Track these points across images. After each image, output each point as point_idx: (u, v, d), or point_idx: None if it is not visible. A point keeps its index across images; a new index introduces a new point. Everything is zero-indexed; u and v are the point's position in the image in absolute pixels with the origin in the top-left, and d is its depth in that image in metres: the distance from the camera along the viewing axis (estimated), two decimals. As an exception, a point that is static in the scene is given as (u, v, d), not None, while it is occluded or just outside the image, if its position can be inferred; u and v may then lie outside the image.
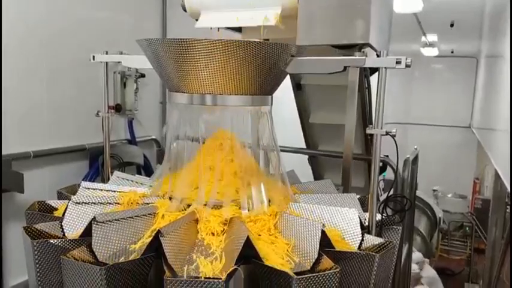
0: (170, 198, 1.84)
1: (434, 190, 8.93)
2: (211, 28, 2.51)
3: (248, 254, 1.45)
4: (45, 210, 1.93)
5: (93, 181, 2.84)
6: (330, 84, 2.92)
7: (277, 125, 1.97)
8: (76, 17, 2.99)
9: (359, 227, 1.74)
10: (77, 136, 3.05)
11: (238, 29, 2.55)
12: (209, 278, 1.34)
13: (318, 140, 3.55)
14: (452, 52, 9.74)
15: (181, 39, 1.63)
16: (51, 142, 2.88)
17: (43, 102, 2.82)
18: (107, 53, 2.34)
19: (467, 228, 8.62)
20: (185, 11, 2.45)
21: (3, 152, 2.52)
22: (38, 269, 1.53)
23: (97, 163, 3.12)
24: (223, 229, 1.64)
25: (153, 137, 3.88)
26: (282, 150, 2.02)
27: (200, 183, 1.82)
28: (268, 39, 2.32)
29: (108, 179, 2.31)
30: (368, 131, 1.79)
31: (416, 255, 5.76)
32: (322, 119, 3.29)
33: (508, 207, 5.74)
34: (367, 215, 1.87)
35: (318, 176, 3.75)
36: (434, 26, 6.85)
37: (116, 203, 1.85)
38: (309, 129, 3.51)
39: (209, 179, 1.83)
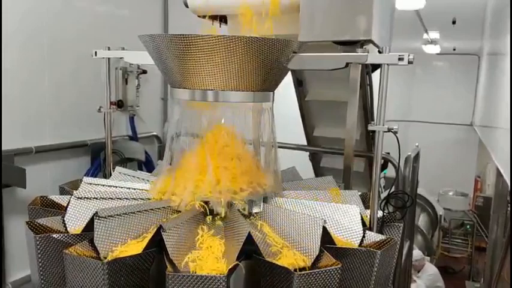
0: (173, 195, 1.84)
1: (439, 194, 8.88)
2: (212, 23, 2.50)
3: (249, 250, 1.45)
4: (47, 205, 1.93)
5: (95, 177, 2.84)
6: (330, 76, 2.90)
7: (279, 122, 1.97)
8: (78, 12, 2.98)
9: (360, 224, 1.75)
10: (78, 132, 3.06)
11: (224, 21, 2.54)
12: (211, 273, 1.35)
13: (315, 121, 3.50)
14: (454, 50, 9.71)
15: (183, 35, 1.62)
16: (54, 138, 2.88)
17: (45, 98, 2.82)
18: (109, 48, 2.34)
19: (468, 226, 8.61)
20: (187, 6, 2.45)
21: (6, 147, 2.52)
22: (40, 264, 1.54)
23: (99, 159, 3.13)
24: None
25: (155, 133, 3.88)
26: (283, 147, 2.02)
27: (202, 179, 1.82)
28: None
29: (110, 174, 2.32)
30: (370, 128, 1.79)
31: (417, 252, 5.79)
32: (321, 96, 3.25)
33: (509, 205, 5.73)
34: (368, 211, 1.87)
35: (317, 167, 3.75)
36: (436, 23, 6.83)
37: (117, 198, 1.85)
38: (307, 113, 3.48)
39: (211, 176, 1.83)
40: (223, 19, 2.57)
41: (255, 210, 1.79)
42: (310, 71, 3.12)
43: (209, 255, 1.42)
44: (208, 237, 1.53)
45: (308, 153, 3.79)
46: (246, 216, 1.74)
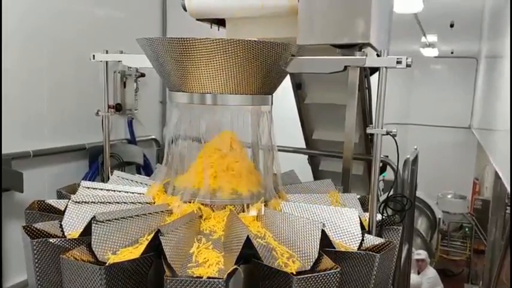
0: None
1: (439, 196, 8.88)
2: (211, 27, 2.51)
3: (248, 254, 1.44)
4: (44, 210, 1.92)
5: (93, 181, 2.83)
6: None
7: (278, 125, 1.96)
8: (77, 15, 2.98)
9: (359, 227, 1.74)
10: (76, 135, 3.05)
11: (223, 24, 2.55)
12: (209, 277, 1.34)
13: (314, 124, 3.51)
14: (452, 53, 9.75)
15: (182, 38, 1.62)
16: (51, 141, 2.87)
17: (43, 102, 2.81)
18: (107, 52, 2.34)
19: (466, 229, 8.62)
20: (185, 10, 2.45)
21: (3, 151, 2.51)
22: (37, 269, 1.53)
23: (97, 162, 3.11)
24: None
25: (153, 136, 3.88)
26: (281, 150, 2.02)
27: (201, 183, 1.81)
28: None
29: (108, 178, 2.31)
30: (368, 131, 1.79)
31: (422, 251, 5.88)
32: (320, 99, 3.26)
33: (508, 207, 5.74)
34: (367, 214, 1.87)
35: (316, 170, 3.75)
36: (434, 26, 6.86)
37: (115, 202, 1.84)
38: (306, 117, 3.48)
39: (209, 180, 1.82)
40: (221, 22, 2.58)
41: (252, 213, 1.78)
42: (309, 77, 3.13)
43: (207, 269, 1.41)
44: (205, 249, 1.51)
45: (307, 156, 3.79)
46: (245, 220, 1.73)
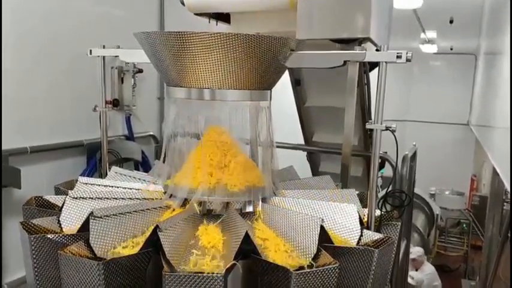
0: (170, 195, 1.82)
1: (431, 194, 8.86)
2: (209, 21, 2.49)
3: (247, 249, 1.44)
4: (42, 206, 1.91)
5: (91, 177, 2.81)
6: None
7: (276, 121, 1.95)
8: (74, 11, 2.96)
9: (358, 223, 1.74)
10: (74, 131, 3.03)
11: (221, 19, 2.53)
12: (208, 273, 1.33)
13: (314, 127, 3.51)
14: (451, 49, 9.75)
15: (179, 32, 1.61)
16: (49, 137, 2.85)
17: (41, 98, 2.79)
18: (104, 47, 2.32)
19: (464, 225, 8.66)
20: (183, 4, 2.43)
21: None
22: (35, 265, 1.52)
23: (95, 159, 3.10)
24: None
25: (151, 133, 3.86)
26: (280, 147, 2.01)
27: (199, 179, 1.81)
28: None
29: (106, 174, 2.30)
30: (368, 126, 1.78)
31: (417, 248, 5.89)
32: (320, 102, 3.25)
33: (505, 204, 5.77)
34: (366, 210, 1.87)
35: (316, 170, 3.75)
36: (433, 22, 6.85)
37: (113, 198, 1.83)
38: (306, 120, 3.47)
39: (207, 176, 1.82)
40: (220, 17, 2.56)
41: (250, 209, 1.78)
42: (308, 73, 3.11)
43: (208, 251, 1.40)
44: (207, 230, 1.52)
45: (306, 153, 3.78)
46: (244, 216, 1.73)
